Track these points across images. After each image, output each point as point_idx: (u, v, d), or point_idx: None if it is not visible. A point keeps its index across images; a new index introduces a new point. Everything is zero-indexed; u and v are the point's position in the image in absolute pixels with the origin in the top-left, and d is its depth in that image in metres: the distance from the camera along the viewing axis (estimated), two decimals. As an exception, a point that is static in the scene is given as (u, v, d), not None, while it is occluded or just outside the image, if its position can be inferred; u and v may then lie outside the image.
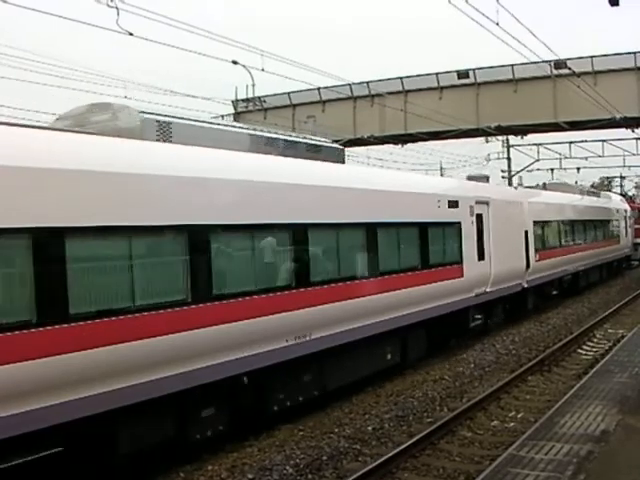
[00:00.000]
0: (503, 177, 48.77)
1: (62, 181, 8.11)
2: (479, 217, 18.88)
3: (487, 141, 42.31)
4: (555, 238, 26.93)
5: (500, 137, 42.98)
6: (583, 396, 11.87)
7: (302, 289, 11.71)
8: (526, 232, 22.81)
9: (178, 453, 10.27)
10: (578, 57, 32.45)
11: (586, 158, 46.90)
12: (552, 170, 50.65)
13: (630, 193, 70.65)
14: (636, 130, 35.80)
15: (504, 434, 11.58)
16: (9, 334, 7.41)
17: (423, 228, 15.85)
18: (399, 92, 36.55)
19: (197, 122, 11.61)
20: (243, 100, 41.47)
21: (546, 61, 27.61)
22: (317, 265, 12.29)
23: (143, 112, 10.61)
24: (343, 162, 15.30)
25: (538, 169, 49.44)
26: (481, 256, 18.75)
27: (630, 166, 56.32)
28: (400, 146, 39.70)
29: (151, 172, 9.30)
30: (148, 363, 8.85)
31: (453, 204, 17.44)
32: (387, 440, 11.36)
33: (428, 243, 15.99)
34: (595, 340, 19.95)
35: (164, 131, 10.55)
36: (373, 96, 36.51)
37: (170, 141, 10.53)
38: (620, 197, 47.46)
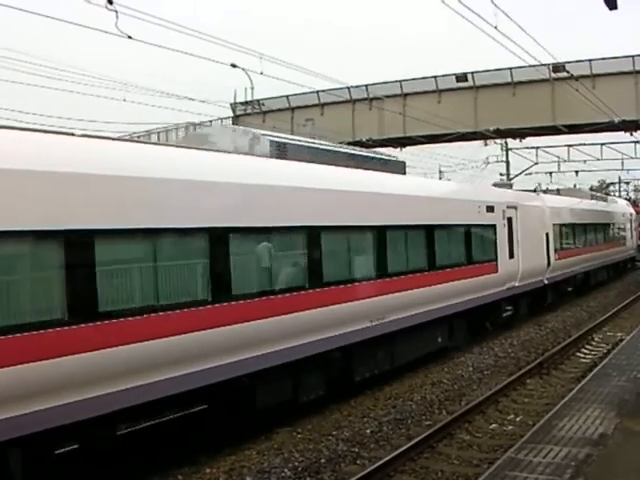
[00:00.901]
0: (502, 180, 48.81)
1: (234, 191, 10.66)
2: (509, 220, 21.19)
3: (486, 144, 42.38)
4: (571, 240, 29.25)
5: (499, 140, 43.04)
6: (581, 399, 11.87)
7: (383, 279, 14.19)
8: (547, 234, 25.11)
9: (176, 456, 10.27)
10: (576, 60, 32.53)
11: (584, 161, 46.91)
12: (550, 173, 50.69)
13: (631, 196, 70.84)
14: (634, 133, 35.84)
15: (502, 437, 11.58)
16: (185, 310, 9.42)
17: (468, 230, 18.43)
18: (398, 95, 36.58)
19: (303, 141, 14.51)
20: (242, 103, 41.56)
21: (544, 64, 27.59)
22: (393, 260, 14.66)
23: (265, 135, 13.31)
24: (404, 173, 17.67)
25: (537, 172, 49.49)
26: (511, 254, 21.06)
27: (629, 169, 56.38)
28: (399, 149, 39.72)
29: (284, 184, 11.83)
30: (277, 337, 11.07)
31: (490, 209, 19.92)
32: (385, 443, 11.36)
33: (471, 243, 18.55)
34: (594, 343, 19.95)
35: (281, 150, 12.98)
36: (372, 99, 36.55)
37: (285, 158, 12.86)
38: (625, 202, 50.14)
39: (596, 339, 20.53)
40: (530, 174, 48.82)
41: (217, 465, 10.33)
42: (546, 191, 32.37)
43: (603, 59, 33.35)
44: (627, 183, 75.02)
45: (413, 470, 10.21)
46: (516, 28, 16.60)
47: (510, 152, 46.88)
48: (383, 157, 17.27)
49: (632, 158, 44.20)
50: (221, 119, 43.19)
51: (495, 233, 20.13)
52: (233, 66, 22.57)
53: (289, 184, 11.90)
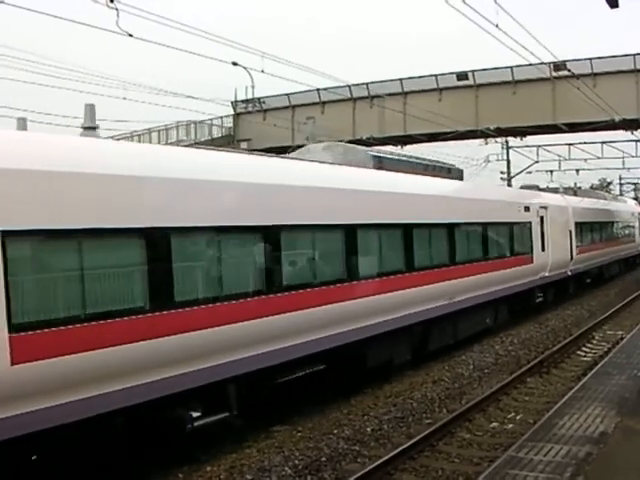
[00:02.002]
0: (502, 179, 48.81)
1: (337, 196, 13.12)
2: (542, 218, 24.35)
3: (486, 143, 42.33)
4: (590, 236, 32.26)
5: (499, 139, 43.00)
6: (582, 398, 11.86)
7: (453, 266, 17.26)
8: (570, 231, 28.06)
9: (176, 454, 10.28)
10: (577, 59, 32.56)
11: (585, 160, 46.92)
12: (551, 172, 50.69)
13: (631, 195, 70.85)
14: (635, 132, 35.83)
15: (503, 436, 11.58)
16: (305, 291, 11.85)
17: (512, 227, 21.86)
18: (398, 94, 36.62)
19: (394, 155, 18.97)
20: (243, 101, 41.58)
21: (545, 63, 27.60)
22: (460, 250, 17.68)
23: (368, 151, 17.35)
24: (462, 179, 21.16)
25: (537, 171, 49.49)
26: (543, 248, 24.11)
27: (629, 168, 56.35)
28: (399, 147, 39.72)
29: (383, 190, 14.75)
30: (384, 309, 13.86)
31: (527, 209, 23.23)
32: (386, 441, 11.36)
33: (514, 237, 21.88)
34: (594, 342, 19.94)
35: (380, 162, 16.47)
36: (372, 97, 36.60)
37: (382, 169, 16.14)
38: (634, 201, 54.48)
39: (596, 337, 20.52)
40: (530, 172, 48.88)
41: (218, 463, 10.34)
42: (555, 190, 34.27)
43: (604, 58, 33.38)
44: (635, 184, 75.15)
45: (413, 468, 10.21)
46: (517, 26, 16.61)
47: (511, 150, 46.87)
48: (447, 166, 21.10)
49: (633, 157, 44.29)
50: (221, 117, 43.19)
51: (531, 229, 23.33)
52: (234, 64, 22.58)
53: (389, 190, 15.03)
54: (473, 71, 36.26)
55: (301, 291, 11.70)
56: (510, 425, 12.17)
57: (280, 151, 33.88)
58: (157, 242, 9.04)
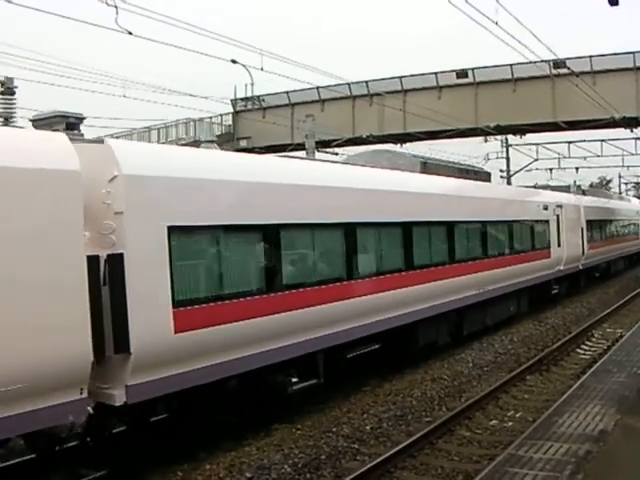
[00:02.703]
0: (502, 177, 48.75)
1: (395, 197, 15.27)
2: (557, 216, 26.42)
3: (486, 141, 42.26)
4: (600, 233, 34.45)
5: (499, 137, 42.95)
6: (581, 396, 11.86)
7: (485, 259, 19.44)
8: (582, 228, 30.12)
9: (176, 452, 10.27)
10: (577, 57, 32.49)
11: (585, 158, 46.93)
12: (551, 170, 50.68)
13: (630, 193, 70.92)
14: (635, 130, 35.79)
15: (503, 433, 11.58)
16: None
17: (533, 224, 24.13)
18: (398, 91, 36.55)
19: (436, 160, 21.08)
20: (242, 99, 41.51)
21: (545, 61, 27.61)
22: (490, 245, 19.95)
23: (414, 156, 19.84)
24: (490, 181, 24.03)
25: (537, 169, 49.47)
26: (559, 244, 26.23)
27: (629, 166, 56.37)
28: (399, 145, 39.68)
29: (433, 192, 17.32)
30: (428, 297, 15.87)
31: (545, 207, 25.46)
32: (386, 439, 11.36)
33: (535, 233, 24.11)
34: (594, 340, 19.94)
35: (426, 166, 18.71)
36: (372, 95, 36.55)
37: (426, 172, 18.36)
38: (638, 200, 57.02)
39: (596, 335, 20.52)
40: (530, 170, 48.84)
41: (217, 461, 10.33)
42: (568, 189, 35.69)
43: (603, 55, 33.31)
44: (637, 183, 75.31)
45: (413, 466, 10.21)
46: (517, 24, 16.60)
47: (510, 148, 46.80)
48: (476, 169, 24.24)
49: (632, 155, 44.28)
50: (221, 115, 43.15)
51: (549, 226, 25.57)
52: (233, 62, 22.54)
53: (437, 192, 17.51)
54: (473, 69, 36.20)
55: (368, 279, 13.82)
56: (510, 423, 12.17)
57: (279, 149, 33.90)
58: (271, 236, 11.34)
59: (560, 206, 26.92)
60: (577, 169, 51.67)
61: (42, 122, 11.30)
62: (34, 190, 7.85)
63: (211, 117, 42.23)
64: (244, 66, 23.73)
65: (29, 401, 7.60)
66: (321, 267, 12.80)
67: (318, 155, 29.71)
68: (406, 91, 36.99)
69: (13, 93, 20.17)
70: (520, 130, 37.84)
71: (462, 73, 36.29)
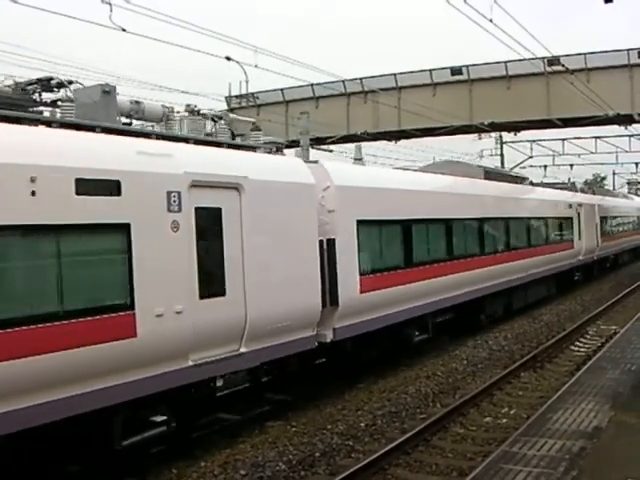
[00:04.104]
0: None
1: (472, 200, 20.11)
2: (578, 214, 31.12)
3: (480, 138, 42.32)
4: (610, 228, 39.31)
5: (493, 134, 42.99)
6: (576, 392, 11.90)
7: (530, 248, 24.32)
8: (596, 224, 34.85)
9: (171, 449, 10.26)
10: (571, 54, 32.46)
11: (579, 155, 46.98)
12: (545, 167, 50.73)
13: (624, 189, 71.06)
14: (628, 127, 35.85)
15: (497, 430, 11.60)
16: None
17: (561, 220, 29.20)
18: (393, 89, 36.48)
19: (494, 168, 28.25)
20: (236, 96, 41.31)
21: (539, 58, 27.58)
22: (532, 237, 24.88)
23: (479, 166, 25.46)
24: (533, 185, 29.48)
25: (531, 166, 49.52)
26: (579, 237, 30.86)
27: (623, 163, 56.51)
28: (393, 142, 39.65)
29: (497, 195, 22.35)
30: (492, 277, 20.24)
31: (570, 206, 30.53)
32: (380, 436, 11.37)
33: (563, 228, 29.17)
34: (588, 337, 19.99)
35: (488, 174, 23.34)
36: (366, 92, 36.45)
37: (489, 179, 22.86)
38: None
39: (590, 332, 20.58)
40: (524, 167, 48.87)
41: (212, 459, 10.33)
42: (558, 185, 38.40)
43: (598, 53, 33.30)
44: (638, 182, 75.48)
45: (407, 463, 10.22)
46: (512, 21, 16.59)
47: (505, 145, 46.93)
48: (521, 176, 29.75)
49: (626, 152, 44.32)
50: (215, 113, 43.01)
51: (572, 222, 30.30)
52: (227, 59, 22.47)
53: (499, 195, 22.50)
54: (467, 66, 36.16)
55: (458, 261, 18.21)
56: (504, 420, 12.19)
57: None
58: (407, 228, 15.82)
59: (580, 205, 31.78)
60: (571, 166, 51.80)
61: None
62: (302, 197, 12.20)
63: (205, 114, 42.10)
64: (238, 63, 23.67)
65: (290, 335, 11.58)
66: (433, 251, 17.27)
67: (312, 152, 29.61)
68: (401, 88, 36.91)
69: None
70: (514, 127, 37.82)
71: (457, 70, 36.25)
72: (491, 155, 47.48)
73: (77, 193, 8.20)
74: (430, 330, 16.94)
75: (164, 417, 9.48)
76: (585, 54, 32.92)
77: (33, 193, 7.72)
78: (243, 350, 10.62)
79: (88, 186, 8.33)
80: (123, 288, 8.73)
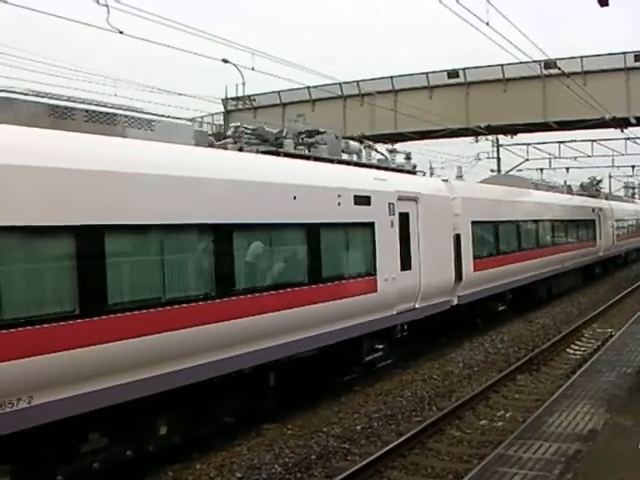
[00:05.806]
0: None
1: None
2: (599, 216, 36.19)
3: (477, 141, 42.24)
4: (622, 229, 43.97)
5: (490, 137, 42.94)
6: (571, 395, 11.91)
7: (561, 245, 29.04)
8: (612, 225, 39.61)
9: (167, 451, 10.24)
10: (568, 57, 32.56)
11: (575, 158, 46.96)
12: (541, 170, 50.74)
13: (621, 192, 71.21)
14: (625, 130, 35.91)
15: (493, 433, 11.61)
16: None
17: (587, 221, 34.29)
18: (389, 91, 36.53)
19: (540, 180, 36.03)
20: (233, 99, 41.33)
21: (536, 61, 27.65)
22: (567, 235, 30.31)
23: (528, 179, 33.50)
24: (571, 193, 35.89)
25: (528, 169, 49.51)
26: (600, 237, 35.94)
27: (619, 166, 56.52)
28: (390, 145, 39.59)
29: (540, 201, 28.08)
30: (538, 267, 25.23)
31: (593, 210, 35.58)
32: (376, 439, 11.37)
33: (588, 228, 34.16)
34: (584, 339, 20.01)
35: (535, 185, 29.71)
36: (363, 95, 36.50)
37: (537, 189, 29.22)
38: None
39: (586, 335, 20.59)
40: (521, 170, 48.85)
41: (208, 461, 10.32)
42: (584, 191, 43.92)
43: (594, 56, 33.39)
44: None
45: (403, 466, 10.23)
46: (508, 25, 16.61)
47: (501, 148, 46.79)
48: (558, 185, 36.04)
49: (622, 155, 44.39)
50: (212, 115, 43.04)
51: (594, 223, 35.42)
52: (225, 62, 22.50)
53: (542, 201, 27.96)
54: (464, 69, 36.24)
55: (519, 253, 23.53)
56: (500, 423, 12.20)
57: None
58: (497, 226, 22.33)
59: (600, 209, 36.95)
60: (568, 169, 51.77)
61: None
62: (444, 205, 17.71)
63: (202, 117, 42.12)
64: (235, 65, 23.71)
65: (437, 298, 16.75)
66: (503, 246, 22.31)
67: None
68: (397, 91, 36.98)
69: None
70: (511, 130, 37.88)
71: (453, 73, 36.33)
72: (487, 158, 47.39)
73: (355, 204, 13.39)
74: (507, 302, 22.88)
75: (382, 345, 14.63)
76: (582, 57, 33.02)
77: (339, 204, 12.85)
78: (417, 306, 15.67)
79: (358, 200, 13.50)
80: (372, 261, 13.88)
